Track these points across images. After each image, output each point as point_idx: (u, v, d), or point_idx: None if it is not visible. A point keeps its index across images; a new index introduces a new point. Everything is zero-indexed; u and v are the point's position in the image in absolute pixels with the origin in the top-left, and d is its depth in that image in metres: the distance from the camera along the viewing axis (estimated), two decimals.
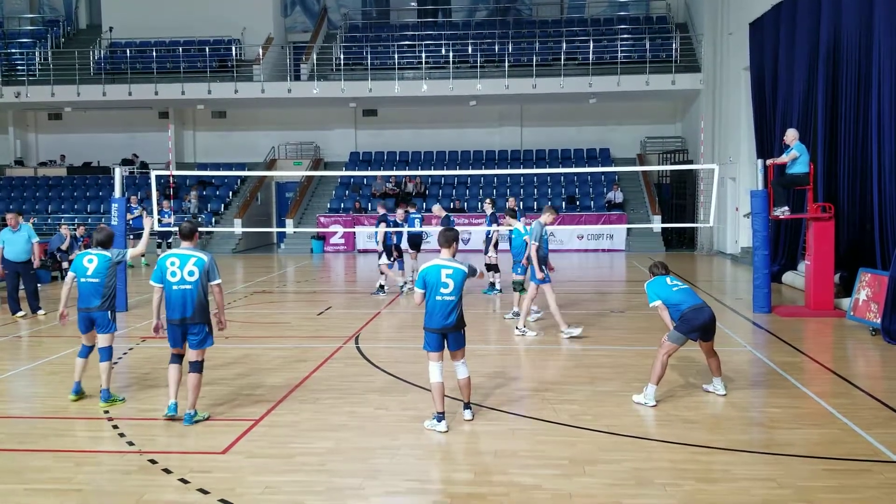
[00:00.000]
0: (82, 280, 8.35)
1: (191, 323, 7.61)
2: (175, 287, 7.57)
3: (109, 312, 8.44)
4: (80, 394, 8.54)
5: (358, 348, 11.27)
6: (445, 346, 7.48)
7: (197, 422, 7.62)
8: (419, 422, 7.60)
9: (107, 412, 8.08)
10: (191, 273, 7.56)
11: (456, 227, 7.88)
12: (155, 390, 8.99)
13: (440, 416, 7.38)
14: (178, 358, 7.81)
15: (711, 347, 8.41)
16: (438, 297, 7.35)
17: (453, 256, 7.55)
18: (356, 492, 6.06)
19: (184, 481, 6.21)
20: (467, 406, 7.72)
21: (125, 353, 10.97)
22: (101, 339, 8.42)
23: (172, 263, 7.60)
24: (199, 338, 7.67)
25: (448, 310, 7.36)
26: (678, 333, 8.11)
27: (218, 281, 7.78)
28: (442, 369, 7.45)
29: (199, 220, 28.11)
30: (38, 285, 15.06)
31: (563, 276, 20.21)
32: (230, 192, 31.30)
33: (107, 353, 8.41)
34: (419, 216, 17.58)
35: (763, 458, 6.66)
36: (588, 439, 7.19)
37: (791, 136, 13.81)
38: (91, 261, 8.39)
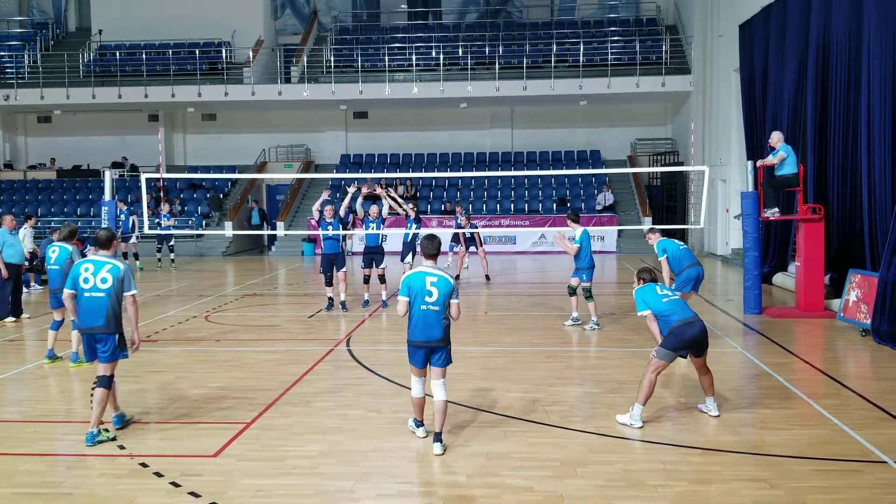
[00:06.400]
0: (48, 267, 10.51)
1: (100, 333, 7.18)
2: (86, 294, 7.22)
3: None
4: (53, 358, 10.51)
5: (349, 351, 11.25)
6: (430, 363, 7.07)
7: (99, 442, 7.12)
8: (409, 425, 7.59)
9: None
10: (104, 280, 7.20)
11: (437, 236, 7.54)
12: (144, 394, 8.98)
13: (419, 423, 7.28)
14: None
15: (704, 363, 7.80)
16: (423, 307, 6.94)
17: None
18: (348, 494, 6.05)
19: (175, 485, 6.19)
20: (438, 437, 6.93)
21: None
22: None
23: (86, 269, 7.25)
24: (108, 351, 7.20)
25: (433, 321, 6.94)
26: (666, 350, 7.52)
27: (133, 292, 7.32)
28: (424, 384, 7.15)
29: (191, 222, 28.02)
30: (26, 290, 15.05)
31: (552, 278, 20.26)
32: (221, 195, 31.20)
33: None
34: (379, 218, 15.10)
35: (754, 459, 6.68)
36: (579, 441, 7.20)
37: (776, 138, 13.86)
38: (54, 251, 10.43)
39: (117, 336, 7.25)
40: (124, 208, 23.22)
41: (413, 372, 7.12)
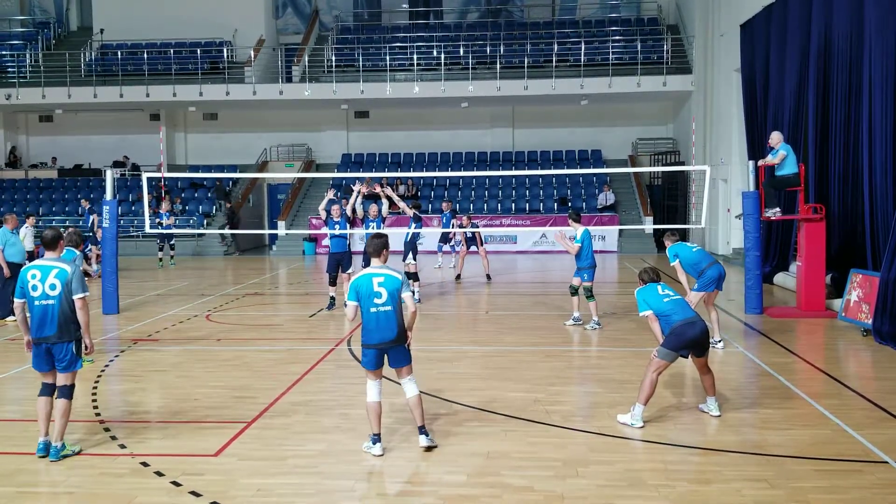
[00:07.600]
0: None
1: (55, 342, 6.78)
2: (37, 302, 6.79)
3: None
4: None
5: (350, 350, 11.25)
6: (386, 363, 6.87)
7: (64, 457, 6.78)
8: (411, 424, 7.56)
9: (98, 414, 8.06)
10: (52, 286, 6.76)
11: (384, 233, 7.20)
12: (146, 393, 9.00)
13: (376, 439, 6.84)
14: (48, 389, 6.92)
15: (706, 364, 7.82)
16: (373, 309, 6.74)
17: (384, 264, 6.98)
18: (348, 494, 6.05)
19: (176, 484, 6.19)
20: (422, 430, 6.94)
21: (116, 356, 10.94)
22: None
23: (33, 276, 6.80)
24: (67, 360, 6.83)
25: (385, 322, 6.74)
26: (667, 350, 7.51)
27: (81, 294, 6.86)
28: (381, 389, 6.89)
29: (195, 221, 28.02)
30: None
31: (553, 277, 20.25)
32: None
33: None
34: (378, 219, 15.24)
35: (755, 459, 6.68)
36: (580, 441, 7.20)
37: (776, 138, 13.86)
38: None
39: (74, 343, 6.86)
40: (87, 206, 23.11)
41: (368, 376, 6.86)
